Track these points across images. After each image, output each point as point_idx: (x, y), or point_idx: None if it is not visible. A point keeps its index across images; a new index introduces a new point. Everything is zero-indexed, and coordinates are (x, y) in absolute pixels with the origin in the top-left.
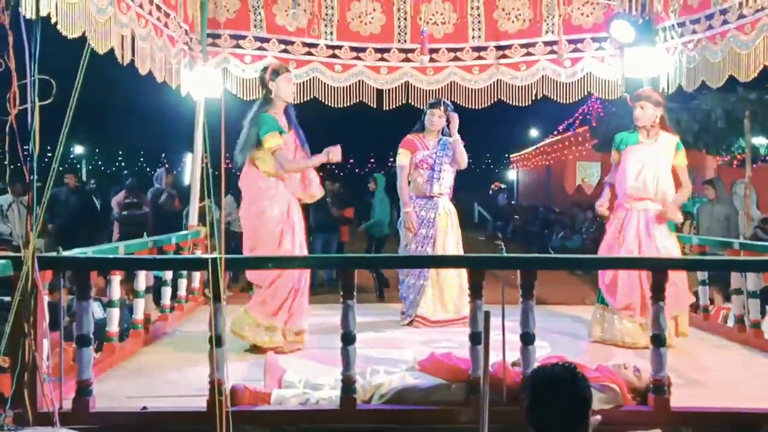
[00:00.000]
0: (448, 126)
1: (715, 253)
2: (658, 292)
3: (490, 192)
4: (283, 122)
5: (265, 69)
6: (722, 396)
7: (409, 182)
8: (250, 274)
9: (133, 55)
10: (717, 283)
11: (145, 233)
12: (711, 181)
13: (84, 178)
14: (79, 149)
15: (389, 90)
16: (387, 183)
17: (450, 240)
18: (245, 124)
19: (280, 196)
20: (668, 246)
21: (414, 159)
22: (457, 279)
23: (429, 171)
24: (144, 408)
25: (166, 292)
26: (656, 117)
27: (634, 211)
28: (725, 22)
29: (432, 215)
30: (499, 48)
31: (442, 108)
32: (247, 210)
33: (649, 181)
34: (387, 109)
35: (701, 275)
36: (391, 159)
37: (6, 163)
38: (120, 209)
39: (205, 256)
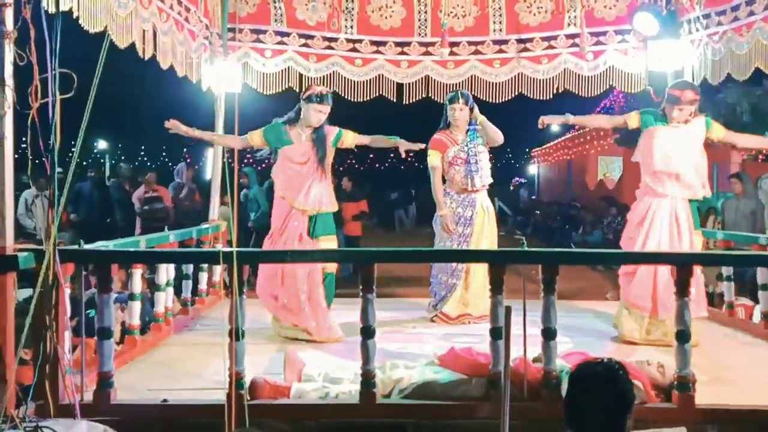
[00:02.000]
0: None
1: (740, 248)
2: (682, 287)
3: (511, 188)
4: (298, 136)
5: (307, 89)
6: (748, 393)
7: (445, 180)
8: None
9: (155, 49)
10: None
11: (165, 227)
12: (738, 175)
13: (107, 172)
14: (102, 144)
15: (409, 84)
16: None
17: (484, 243)
18: None
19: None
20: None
21: (446, 157)
22: (483, 279)
23: (465, 165)
24: (164, 400)
25: (187, 285)
26: (691, 112)
27: (664, 199)
28: (751, 13)
29: (470, 213)
30: (520, 41)
31: (461, 101)
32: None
33: (675, 160)
34: (407, 103)
35: (726, 271)
36: (411, 155)
37: (30, 156)
38: (141, 204)
39: (223, 249)
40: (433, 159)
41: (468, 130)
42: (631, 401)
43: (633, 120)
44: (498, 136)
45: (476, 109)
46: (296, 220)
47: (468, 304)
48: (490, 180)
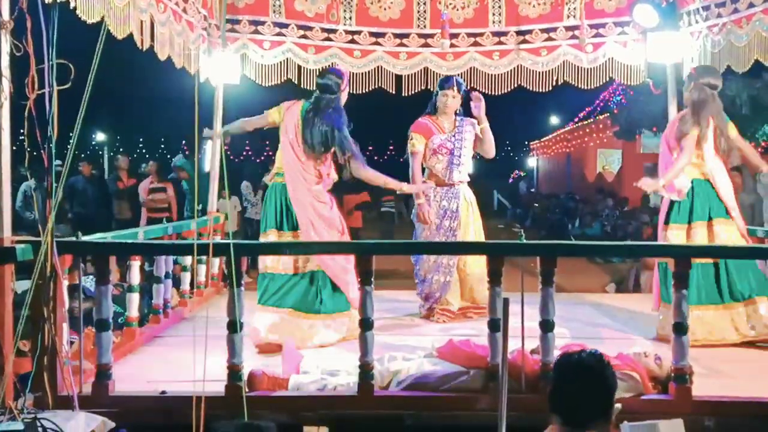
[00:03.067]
0: (461, 106)
1: None
2: (681, 280)
3: (510, 180)
4: None
5: (338, 75)
6: (745, 386)
7: (424, 170)
8: None
9: (152, 40)
10: None
11: (165, 219)
12: (738, 168)
13: (105, 166)
14: (100, 136)
15: (408, 76)
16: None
17: (470, 235)
18: (324, 121)
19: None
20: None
21: (430, 144)
22: (477, 271)
23: (448, 157)
24: (163, 392)
25: (186, 277)
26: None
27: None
28: (751, 5)
29: (454, 205)
30: (519, 33)
31: (455, 88)
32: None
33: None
34: (406, 95)
35: None
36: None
37: (27, 148)
38: (147, 195)
39: (222, 241)
40: (417, 144)
41: (456, 120)
42: (612, 389)
43: None
44: (491, 149)
45: (483, 104)
46: None
47: (465, 297)
48: (468, 178)
